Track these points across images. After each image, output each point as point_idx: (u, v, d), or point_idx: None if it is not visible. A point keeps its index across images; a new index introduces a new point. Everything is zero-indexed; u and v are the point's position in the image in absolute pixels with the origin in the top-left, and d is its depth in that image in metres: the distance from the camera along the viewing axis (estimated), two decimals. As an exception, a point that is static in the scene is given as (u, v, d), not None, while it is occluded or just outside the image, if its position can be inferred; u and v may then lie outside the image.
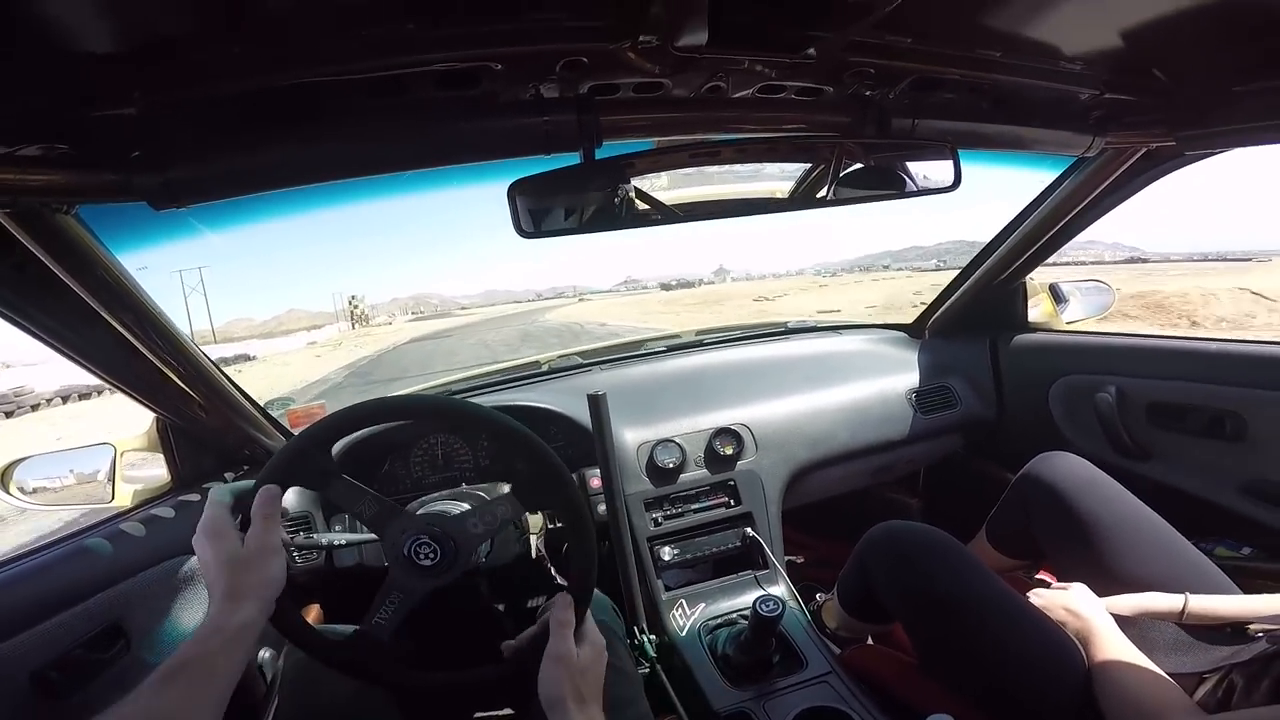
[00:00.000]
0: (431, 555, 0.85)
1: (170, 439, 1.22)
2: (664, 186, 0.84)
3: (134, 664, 1.02)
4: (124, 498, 1.19)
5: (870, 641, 1.42)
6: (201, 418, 1.19)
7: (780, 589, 1.46)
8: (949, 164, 0.93)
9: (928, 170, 0.94)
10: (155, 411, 1.17)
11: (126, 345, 0.94)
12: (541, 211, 0.79)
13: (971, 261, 1.83)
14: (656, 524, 1.47)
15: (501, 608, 1.17)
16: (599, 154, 0.77)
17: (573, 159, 0.77)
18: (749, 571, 1.50)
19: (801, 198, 0.94)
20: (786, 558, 1.56)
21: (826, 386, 1.76)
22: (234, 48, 0.56)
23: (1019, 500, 1.40)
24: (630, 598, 1.35)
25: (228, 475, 1.31)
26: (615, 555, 1.33)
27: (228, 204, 0.74)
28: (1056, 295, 1.87)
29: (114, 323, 0.88)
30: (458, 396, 1.64)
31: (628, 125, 0.80)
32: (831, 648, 1.33)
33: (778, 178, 0.92)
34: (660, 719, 1.17)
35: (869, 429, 1.72)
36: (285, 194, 0.84)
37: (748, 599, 1.39)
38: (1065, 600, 1.12)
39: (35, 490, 1.19)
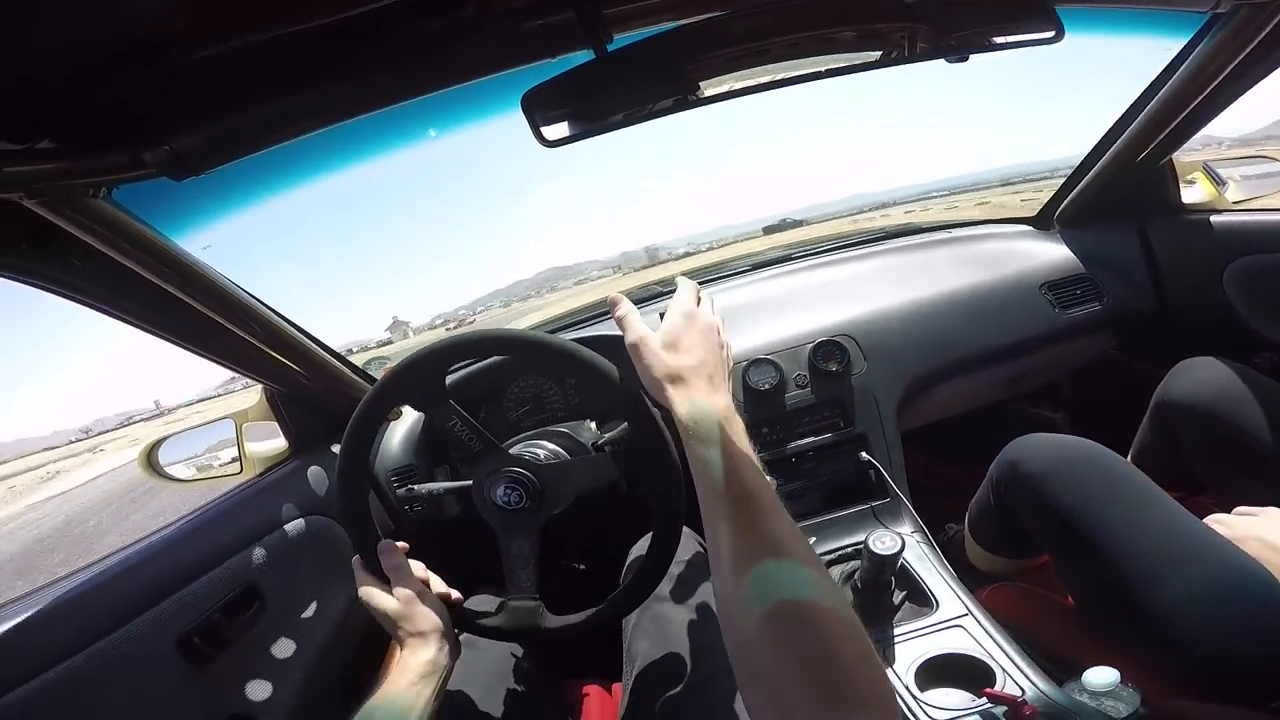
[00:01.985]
0: (519, 499, 0.87)
1: (280, 407, 1.29)
2: (705, 65, 0.73)
3: (270, 625, 1.10)
4: (250, 467, 1.29)
5: (1014, 580, 1.26)
6: (303, 383, 1.26)
7: (903, 521, 1.29)
8: (1046, 13, 0.75)
9: (1020, 21, 0.76)
10: (259, 382, 1.25)
11: (211, 323, 0.99)
12: (561, 117, 0.72)
13: (1098, 144, 1.54)
14: (755, 451, 1.37)
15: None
16: (617, 44, 0.69)
17: (586, 56, 0.69)
18: (866, 502, 1.33)
19: (862, 59, 0.80)
20: (912, 485, 1.37)
21: (940, 287, 1.55)
22: (210, 9, 0.54)
23: (1158, 419, 1.20)
24: None
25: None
26: None
27: (252, 173, 0.75)
28: (1214, 176, 1.55)
29: (192, 302, 0.93)
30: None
31: (639, 11, 0.70)
32: (965, 587, 1.14)
33: (831, 41, 0.78)
34: None
35: (996, 330, 1.50)
36: (312, 155, 0.85)
37: (864, 532, 1.25)
38: (1259, 529, 0.92)
39: (178, 468, 1.32)
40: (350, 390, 1.34)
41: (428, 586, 0.88)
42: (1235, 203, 1.53)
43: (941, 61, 0.76)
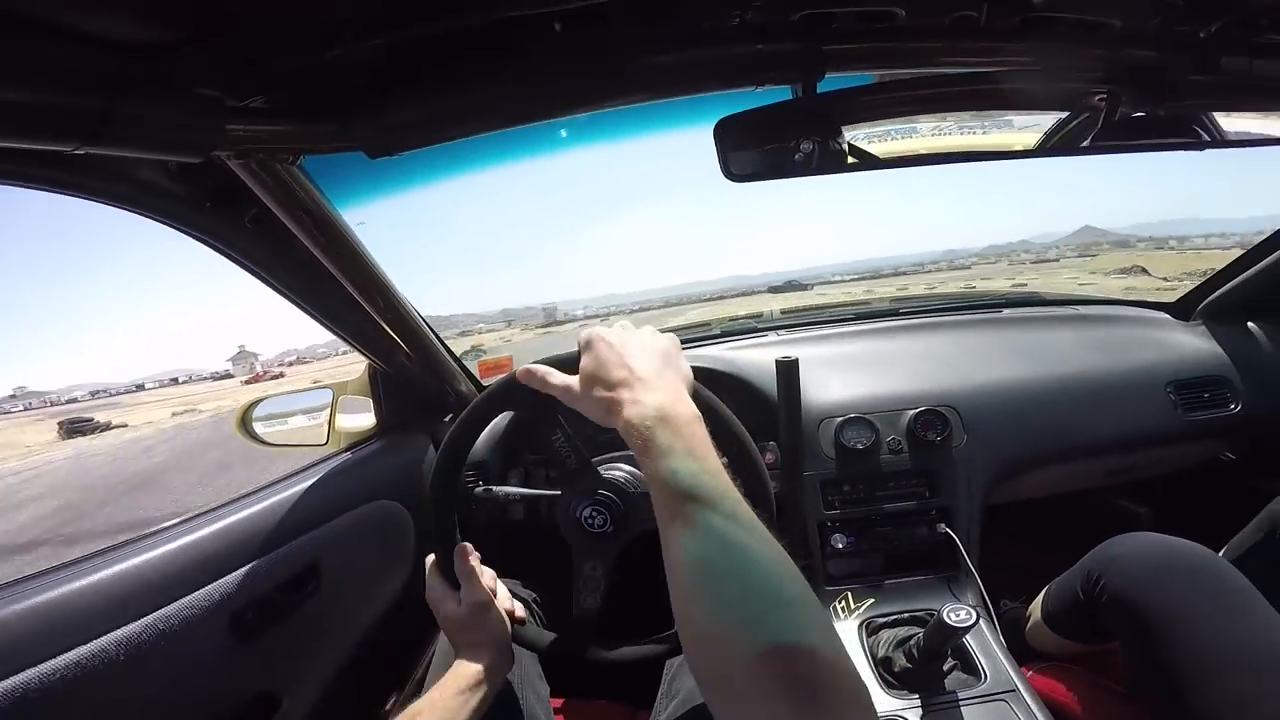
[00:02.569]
0: (602, 522, 0.86)
1: (379, 385, 1.30)
2: (890, 126, 0.72)
3: (321, 603, 1.09)
4: (335, 440, 1.30)
5: (1063, 662, 1.22)
6: (406, 365, 1.26)
7: (967, 594, 1.26)
8: None
9: (1251, 118, 0.73)
10: (369, 358, 1.26)
11: (347, 296, 1.00)
12: (752, 153, 0.71)
13: (1264, 242, 1.45)
14: (831, 507, 1.32)
15: None
16: (822, 88, 0.67)
17: (784, 94, 0.68)
18: (930, 572, 1.30)
19: (1058, 144, 0.77)
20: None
21: (1055, 369, 1.48)
22: None
23: (1270, 529, 1.15)
24: None
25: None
26: (782, 539, 1.22)
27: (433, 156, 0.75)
28: None
29: (337, 274, 0.95)
30: None
31: (854, 55, 0.69)
32: (1014, 663, 1.12)
33: (1027, 121, 0.76)
34: None
35: (1109, 423, 1.42)
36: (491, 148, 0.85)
37: (924, 601, 1.23)
38: None
39: (268, 429, 1.33)
40: (447, 379, 1.34)
41: (494, 596, 0.87)
42: None
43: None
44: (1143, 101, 0.71)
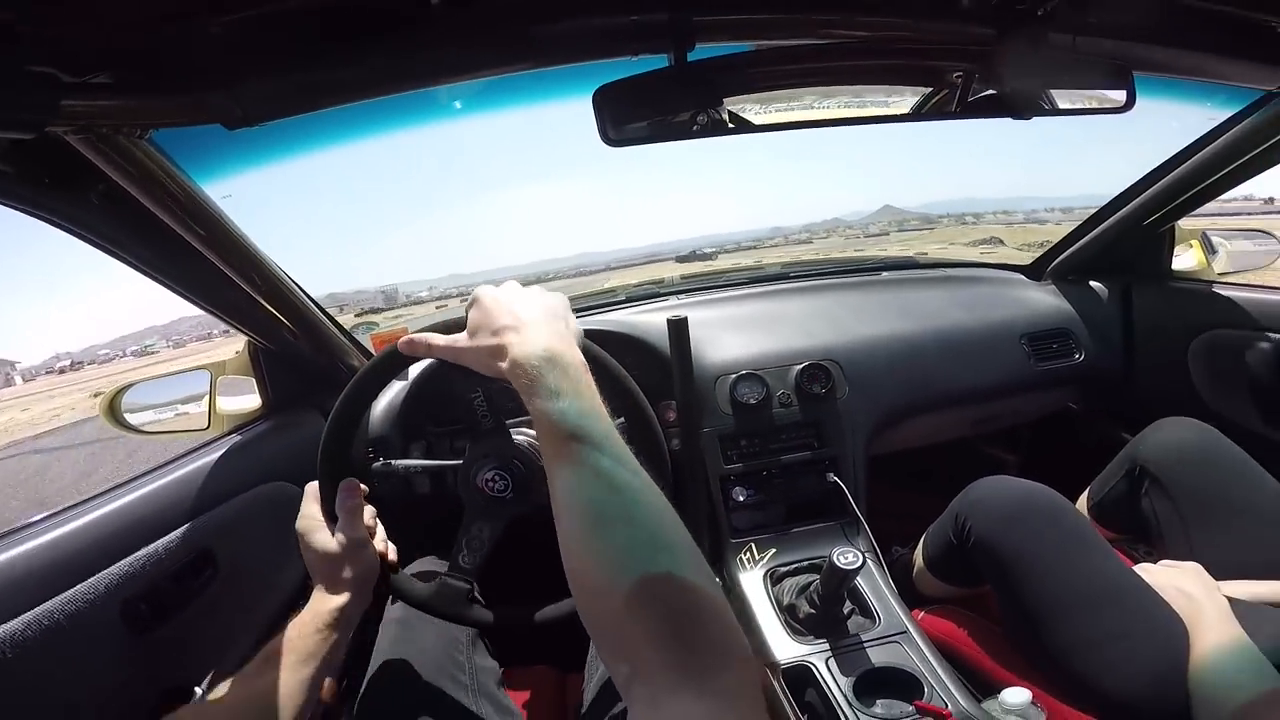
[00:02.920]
0: (503, 487, 0.86)
1: (261, 363, 1.24)
2: (765, 92, 0.75)
3: (221, 592, 1.06)
4: (218, 423, 1.24)
5: (950, 605, 1.33)
6: (290, 340, 1.21)
7: (859, 541, 1.36)
8: (1121, 88, 0.79)
9: (1092, 89, 0.80)
10: (247, 335, 1.20)
11: (217, 272, 0.95)
12: (629, 118, 0.72)
13: (1111, 202, 1.62)
14: (729, 462, 1.39)
15: None
16: (693, 56, 0.69)
17: (661, 61, 0.69)
18: (826, 520, 1.39)
19: (926, 109, 0.82)
20: (868, 506, 1.44)
21: (926, 325, 1.61)
22: None
23: (1129, 468, 1.28)
24: (696, 539, 1.30)
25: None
26: (685, 494, 1.27)
27: (303, 127, 0.72)
28: (1208, 244, 1.65)
29: (204, 250, 0.89)
30: None
31: (726, 25, 0.71)
32: (905, 606, 1.23)
33: (897, 88, 0.81)
34: None
35: (974, 373, 1.57)
36: (360, 116, 0.82)
37: (821, 548, 1.30)
38: (1179, 579, 1.02)
39: (141, 416, 1.25)
40: (338, 354, 1.30)
41: (372, 538, 0.85)
42: (1219, 274, 1.63)
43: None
44: (987, 73, 0.77)
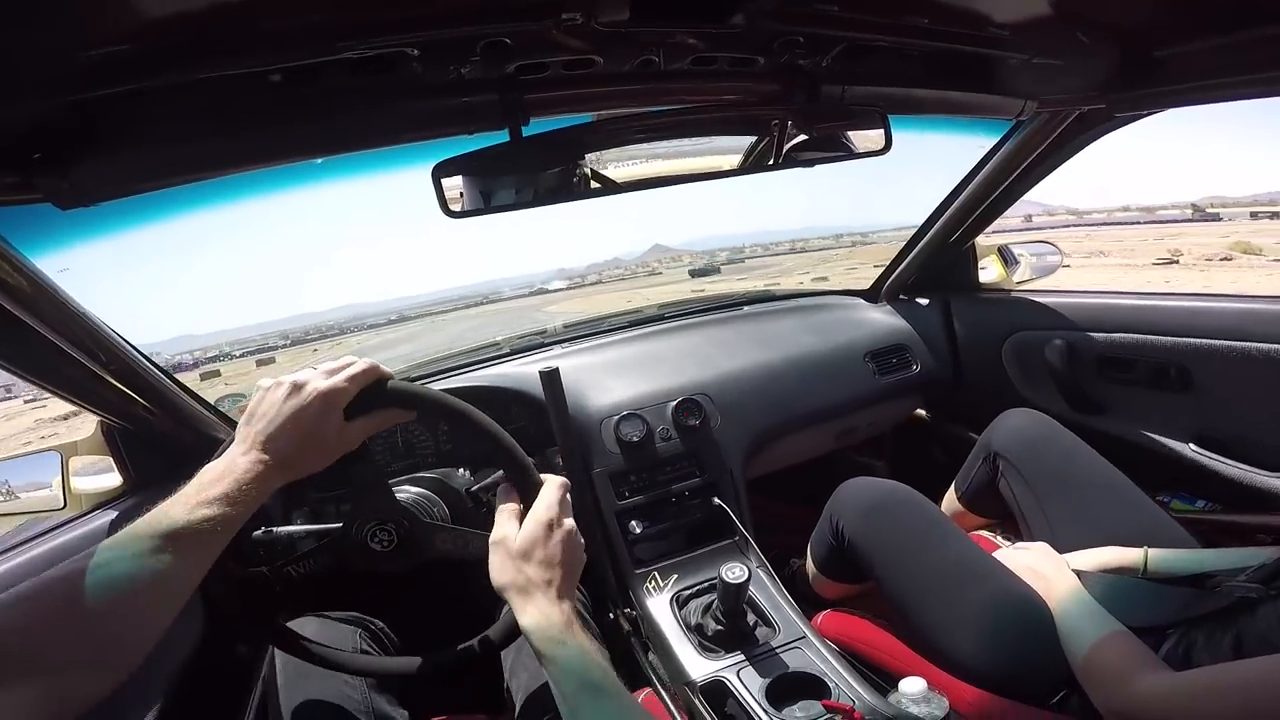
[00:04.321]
0: (387, 540, 0.87)
1: (117, 441, 1.18)
2: (604, 159, 0.82)
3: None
4: (75, 503, 1.17)
5: (843, 605, 1.42)
6: (148, 418, 1.16)
7: (750, 557, 1.43)
8: (880, 129, 0.94)
9: (862, 135, 0.94)
10: (97, 415, 1.14)
11: (54, 349, 0.90)
12: (469, 191, 0.78)
13: (922, 226, 1.85)
14: (622, 498, 1.46)
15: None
16: (531, 130, 0.76)
17: (501, 137, 0.76)
18: (720, 541, 1.47)
19: (745, 164, 0.94)
20: (759, 525, 1.53)
21: (783, 352, 1.77)
22: (130, 46, 0.53)
23: (983, 458, 1.43)
24: (601, 574, 1.35)
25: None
26: (583, 532, 1.32)
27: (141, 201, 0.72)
28: (1006, 257, 1.90)
29: (38, 326, 0.85)
30: (416, 382, 1.62)
31: (558, 101, 0.79)
32: (803, 613, 1.30)
33: (721, 146, 0.91)
34: (637, 693, 1.18)
35: (827, 392, 1.73)
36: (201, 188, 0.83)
37: (716, 567, 1.38)
38: (1028, 560, 1.14)
39: (-17, 501, 1.16)
40: (201, 427, 1.25)
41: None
42: (1019, 283, 1.87)
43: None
44: (793, 125, 0.89)
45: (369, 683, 1.03)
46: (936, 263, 1.91)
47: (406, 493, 1.05)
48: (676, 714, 1.12)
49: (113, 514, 1.14)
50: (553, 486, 0.82)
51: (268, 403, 0.72)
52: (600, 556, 1.34)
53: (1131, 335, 1.50)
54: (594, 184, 0.82)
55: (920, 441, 2.10)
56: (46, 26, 0.49)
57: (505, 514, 0.79)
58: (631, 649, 1.28)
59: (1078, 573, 1.08)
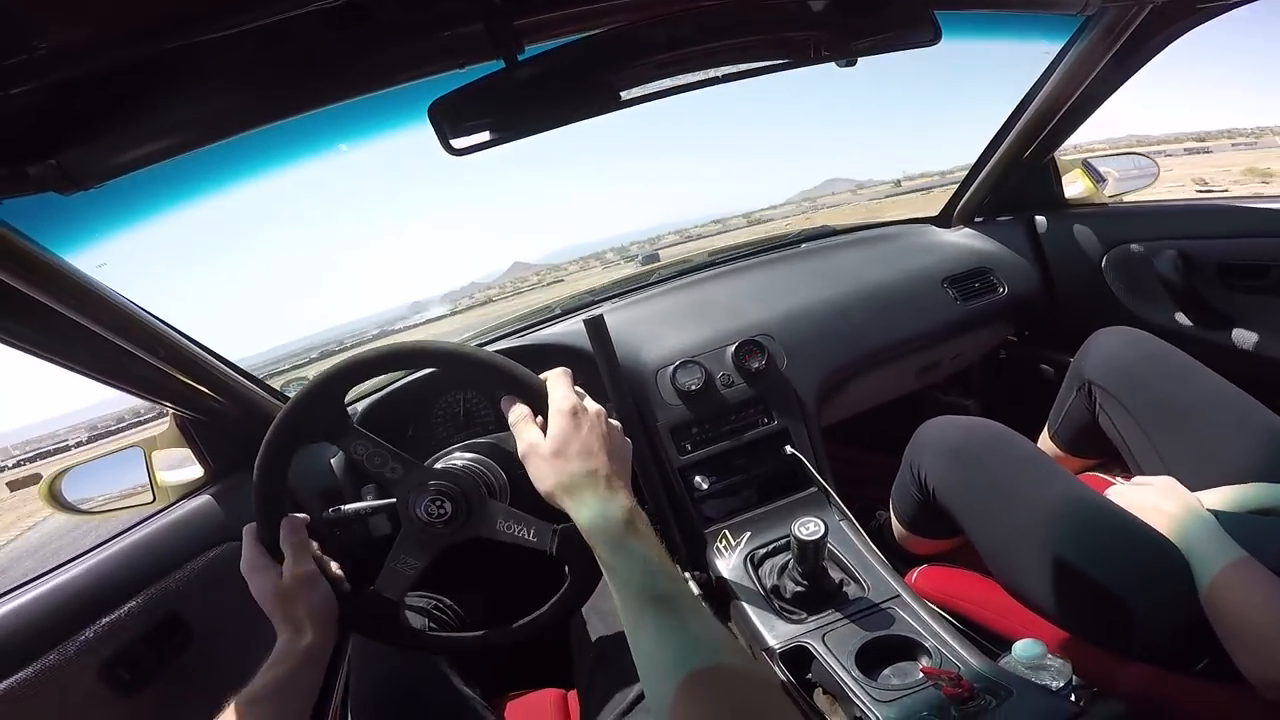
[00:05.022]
0: (442, 513, 0.86)
1: (192, 433, 1.23)
2: (615, 70, 0.76)
3: (198, 656, 1.07)
4: (163, 495, 1.23)
5: (939, 559, 1.32)
6: (217, 407, 1.20)
7: (829, 510, 1.31)
8: (926, 21, 0.82)
9: (902, 28, 0.83)
10: (168, 408, 1.18)
11: (112, 347, 0.93)
12: (469, 125, 0.73)
13: (989, 144, 1.68)
14: (685, 452, 1.38)
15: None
16: (524, 55, 0.71)
17: (496, 66, 0.71)
18: (795, 494, 1.36)
19: (780, 61, 0.83)
20: (837, 476, 1.41)
21: (852, 285, 1.64)
22: (90, 27, 0.51)
23: (1077, 389, 1.26)
24: (667, 534, 1.29)
25: None
26: (644, 489, 1.28)
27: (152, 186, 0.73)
28: (1092, 173, 1.72)
29: (91, 326, 0.88)
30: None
31: (551, 23, 0.72)
32: (894, 570, 1.18)
33: (735, 48, 0.82)
34: None
35: (905, 323, 1.60)
36: (217, 167, 0.82)
37: (791, 523, 1.31)
38: (1148, 498, 0.97)
39: (83, 498, 1.24)
40: (269, 412, 1.29)
41: (322, 573, 0.84)
42: (1111, 197, 1.70)
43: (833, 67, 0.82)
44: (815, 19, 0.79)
45: (441, 660, 1.04)
46: (1010, 182, 1.74)
47: (458, 459, 1.04)
48: None
49: (196, 503, 1.20)
50: (557, 377, 0.79)
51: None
52: (664, 516, 1.28)
53: (1259, 239, 1.31)
54: (606, 97, 0.76)
55: (1014, 374, 1.92)
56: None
57: (521, 423, 0.76)
58: None
59: (1214, 514, 0.91)
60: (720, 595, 1.21)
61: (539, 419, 0.77)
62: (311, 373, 0.98)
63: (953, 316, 1.64)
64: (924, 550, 1.33)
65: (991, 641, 1.04)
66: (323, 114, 0.71)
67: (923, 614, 1.03)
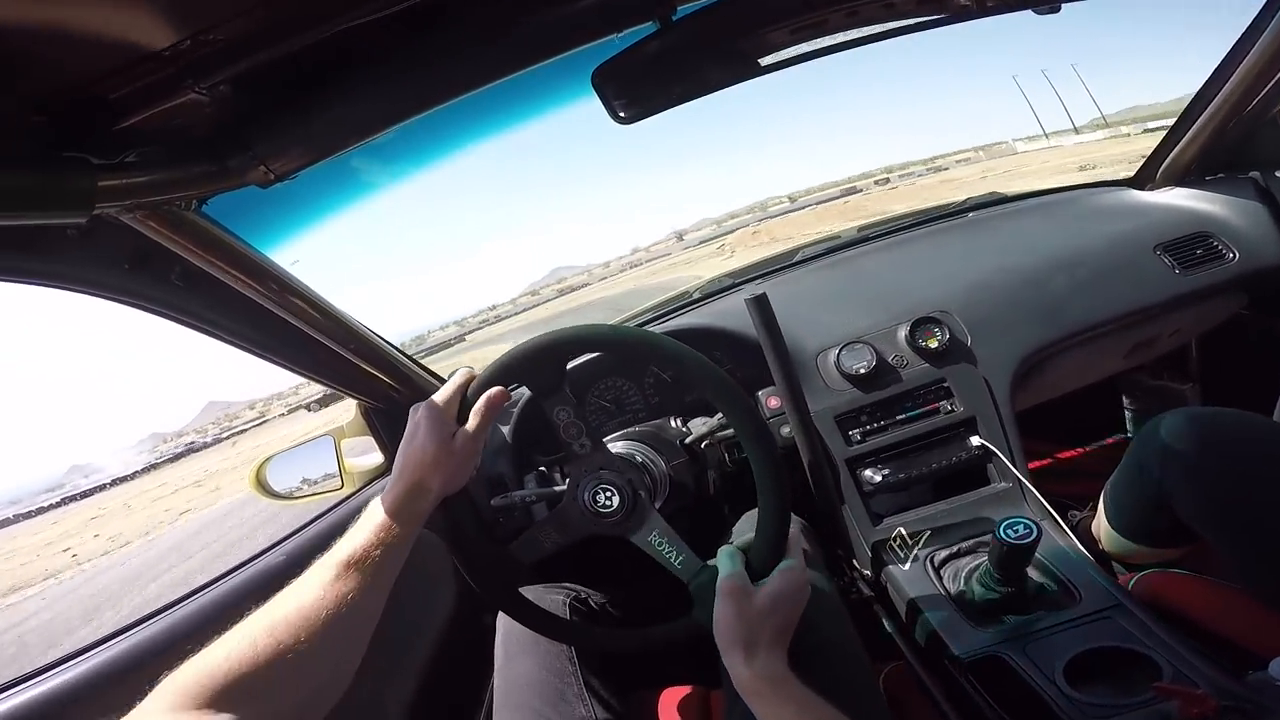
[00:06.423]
0: (607, 505, 0.85)
1: (374, 422, 1.31)
2: (778, 27, 0.70)
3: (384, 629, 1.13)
4: (350, 482, 1.32)
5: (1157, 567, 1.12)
6: (394, 395, 1.27)
7: (1028, 507, 1.17)
8: None
9: None
10: (353, 397, 1.27)
11: (305, 338, 1.01)
12: (635, 91, 0.71)
13: (1195, 100, 1.41)
14: (852, 442, 1.26)
15: None
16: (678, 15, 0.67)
17: (651, 28, 0.67)
18: (980, 489, 1.21)
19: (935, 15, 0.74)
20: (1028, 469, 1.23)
21: (1042, 254, 1.44)
22: (268, 13, 0.54)
23: None
24: (834, 529, 1.20)
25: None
26: (811, 482, 1.19)
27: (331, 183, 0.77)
28: None
29: (289, 318, 0.95)
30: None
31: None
32: (1109, 574, 1.03)
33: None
34: (879, 667, 1.04)
35: (1114, 295, 1.37)
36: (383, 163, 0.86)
37: (983, 522, 1.14)
38: None
39: (285, 485, 1.36)
40: None
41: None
42: None
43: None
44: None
45: (580, 653, 1.03)
46: (1229, 139, 1.45)
47: (619, 446, 1.03)
48: (935, 693, 0.95)
49: (378, 488, 1.26)
50: (799, 550, 0.85)
51: (404, 435, 0.82)
52: (832, 513, 1.19)
53: None
54: (771, 57, 0.70)
55: (1240, 352, 1.63)
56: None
57: (727, 600, 0.77)
58: (875, 618, 1.12)
59: None
60: (895, 597, 1.10)
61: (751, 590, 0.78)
62: (464, 360, 1.01)
63: (1173, 288, 1.39)
64: (1141, 559, 1.15)
65: (1233, 660, 0.86)
66: (491, 98, 0.71)
67: (1150, 624, 0.88)
